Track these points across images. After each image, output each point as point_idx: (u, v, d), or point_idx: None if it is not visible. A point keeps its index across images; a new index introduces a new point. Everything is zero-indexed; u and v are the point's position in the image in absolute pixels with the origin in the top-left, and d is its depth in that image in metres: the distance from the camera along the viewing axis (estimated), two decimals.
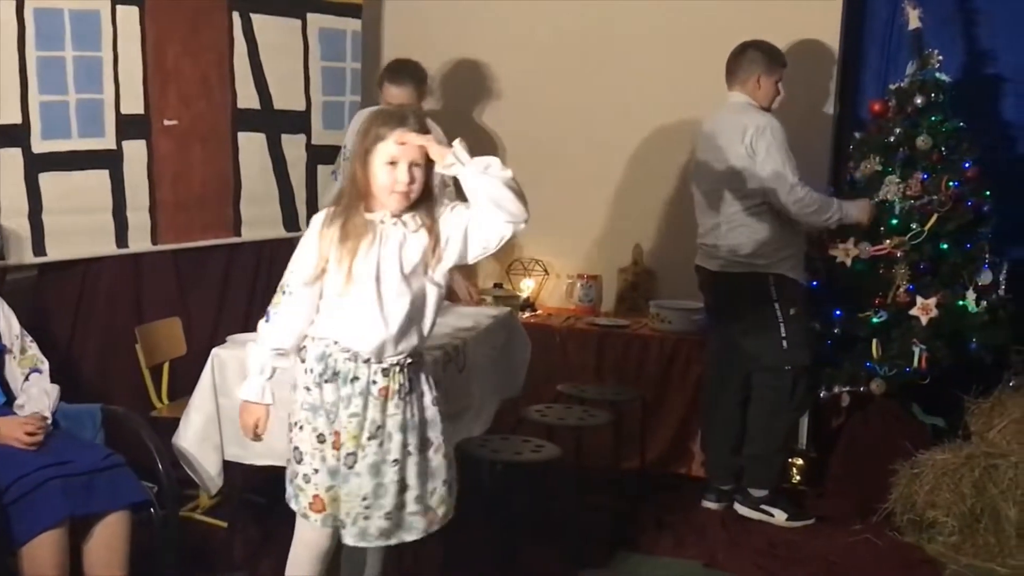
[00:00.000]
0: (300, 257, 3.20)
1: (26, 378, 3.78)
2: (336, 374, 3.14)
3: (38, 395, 3.73)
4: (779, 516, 4.98)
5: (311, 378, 3.16)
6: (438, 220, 3.17)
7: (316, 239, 3.16)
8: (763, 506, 5.01)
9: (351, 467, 3.14)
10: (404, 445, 3.18)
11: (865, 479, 5.09)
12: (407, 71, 5.10)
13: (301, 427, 3.18)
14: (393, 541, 3.25)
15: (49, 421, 3.66)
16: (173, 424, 4.02)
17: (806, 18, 5.64)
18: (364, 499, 3.14)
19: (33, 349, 3.86)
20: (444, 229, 3.17)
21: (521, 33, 6.01)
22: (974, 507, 4.66)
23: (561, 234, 6.01)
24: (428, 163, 3.12)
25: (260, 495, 4.41)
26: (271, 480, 4.15)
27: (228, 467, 4.01)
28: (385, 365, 3.15)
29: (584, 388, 5.16)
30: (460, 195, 3.18)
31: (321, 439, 3.15)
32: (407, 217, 3.15)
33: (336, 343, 3.15)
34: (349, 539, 3.20)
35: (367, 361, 3.13)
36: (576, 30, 5.94)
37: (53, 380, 3.84)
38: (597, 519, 4.72)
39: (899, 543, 4.78)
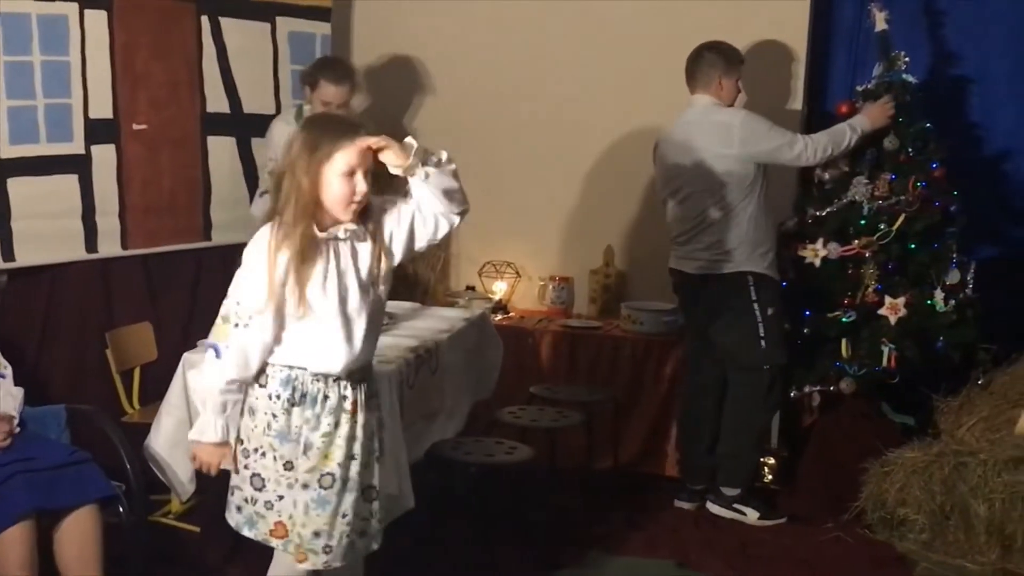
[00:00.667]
0: (248, 285, 3.02)
1: None
2: (304, 396, 3.05)
3: (3, 397, 3.73)
4: (751, 515, 4.99)
5: (278, 405, 3.04)
6: (382, 222, 3.10)
7: (265, 265, 2.98)
8: (736, 505, 5.02)
9: (328, 488, 3.04)
10: (372, 453, 3.16)
11: (836, 478, 5.11)
12: (348, 69, 5.07)
13: (263, 454, 3.05)
14: (366, 552, 3.23)
15: (16, 422, 3.65)
16: (144, 429, 4.01)
17: (774, 19, 5.66)
18: (345, 517, 3.08)
19: None
20: (386, 228, 3.11)
21: (493, 38, 6.01)
22: (944, 505, 4.68)
23: (533, 236, 6.04)
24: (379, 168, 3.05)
25: None
26: None
27: (200, 473, 3.94)
28: (354, 380, 3.10)
29: (557, 389, 5.17)
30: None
31: (288, 466, 3.04)
32: (355, 226, 3.05)
33: (304, 368, 3.05)
34: (336, 561, 3.09)
35: (336, 379, 3.07)
36: (547, 36, 5.94)
37: (19, 384, 3.82)
38: (570, 520, 4.72)
39: (870, 541, 4.80)
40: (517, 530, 4.47)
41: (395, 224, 3.10)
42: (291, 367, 3.06)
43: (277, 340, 3.04)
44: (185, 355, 4.01)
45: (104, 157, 4.83)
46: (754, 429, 5.08)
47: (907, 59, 5.29)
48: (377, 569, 3.57)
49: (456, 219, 3.12)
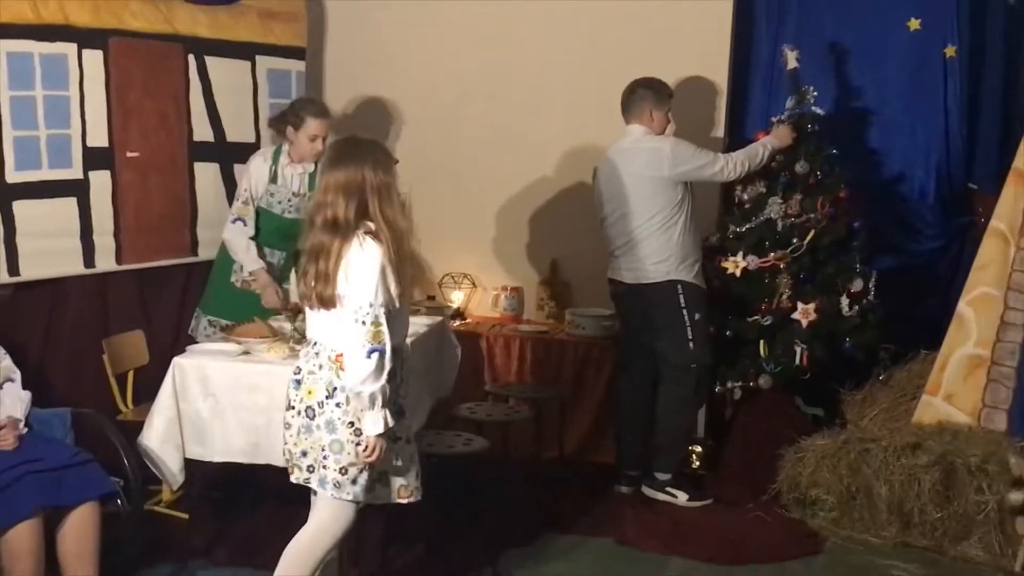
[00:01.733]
0: (379, 288, 3.14)
1: (0, 387, 3.72)
2: (393, 372, 3.24)
3: (11, 402, 3.69)
4: (681, 497, 5.00)
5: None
6: None
7: (383, 271, 3.16)
8: (668, 489, 5.03)
9: (411, 441, 3.43)
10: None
11: (755, 463, 5.13)
12: (325, 105, 5.05)
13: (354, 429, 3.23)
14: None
15: (22, 424, 3.61)
16: (138, 427, 3.99)
17: (698, 58, 5.69)
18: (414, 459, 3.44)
19: (7, 361, 3.82)
20: None
21: (451, 77, 5.99)
22: (850, 486, 4.72)
23: (487, 251, 6.04)
24: None
25: (218, 490, 4.39)
26: (228, 476, 4.16)
27: (189, 464, 3.97)
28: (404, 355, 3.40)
29: (508, 387, 5.19)
30: None
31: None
32: None
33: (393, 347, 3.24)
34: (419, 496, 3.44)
35: (405, 359, 3.38)
36: (499, 78, 5.93)
37: (26, 388, 3.79)
38: (521, 504, 4.71)
39: (786, 519, 4.82)
40: (473, 514, 4.47)
41: None
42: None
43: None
44: (175, 359, 3.98)
45: (100, 182, 4.79)
46: (683, 421, 5.09)
47: (815, 93, 5.33)
48: (349, 548, 3.58)
49: None
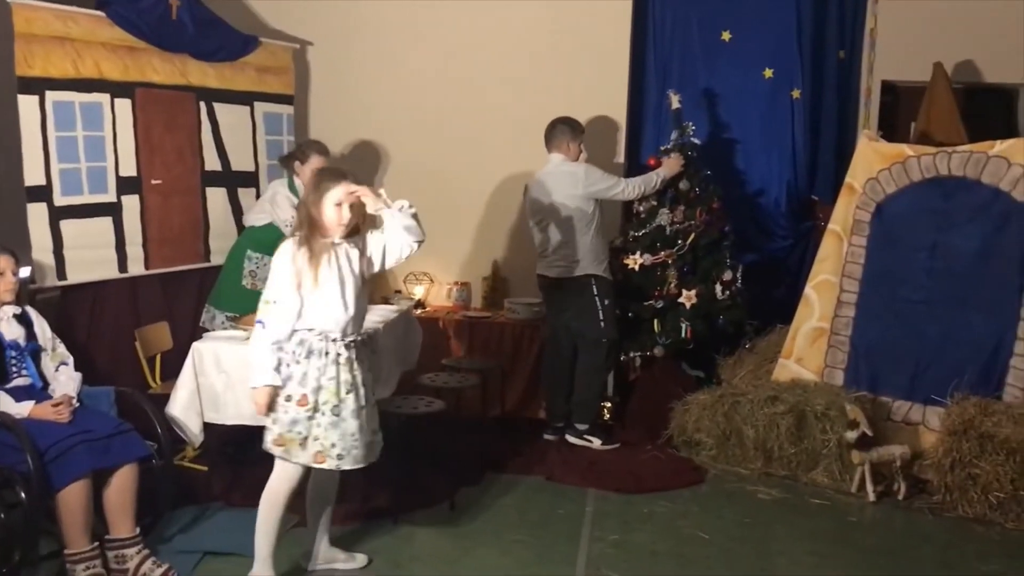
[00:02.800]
0: (281, 275, 3.17)
1: (56, 369, 3.68)
2: (311, 351, 3.17)
3: (66, 381, 3.64)
4: (596, 442, 5.02)
5: (291, 357, 3.18)
6: (367, 241, 3.32)
7: (291, 261, 3.17)
8: (585, 436, 5.05)
9: (338, 415, 3.18)
10: (366, 396, 3.27)
11: (652, 415, 5.15)
12: (326, 147, 4.97)
13: (288, 397, 3.17)
14: (367, 462, 3.30)
15: (75, 400, 3.56)
16: (165, 399, 3.95)
17: (602, 100, 5.70)
18: (353, 435, 3.20)
19: (61, 348, 3.75)
20: (369, 248, 3.32)
21: (411, 113, 5.92)
22: (725, 430, 4.78)
23: (442, 254, 5.95)
24: (359, 204, 3.25)
25: (231, 446, 4.37)
26: (239, 435, 4.12)
27: (207, 427, 3.94)
28: (347, 341, 3.22)
29: (460, 361, 5.16)
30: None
31: (288, 399, 3.17)
32: (347, 242, 3.26)
33: (311, 330, 3.18)
34: (347, 465, 3.22)
35: (334, 340, 3.18)
36: (452, 114, 5.87)
37: (76, 370, 3.73)
38: (471, 451, 4.70)
39: (677, 457, 4.87)
40: (433, 460, 4.46)
41: (375, 245, 3.33)
42: (302, 330, 3.19)
43: (299, 313, 3.18)
44: (194, 344, 3.95)
45: (131, 204, 4.73)
46: (596, 383, 5.11)
47: (694, 127, 5.38)
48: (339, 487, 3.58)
49: (415, 246, 3.36)
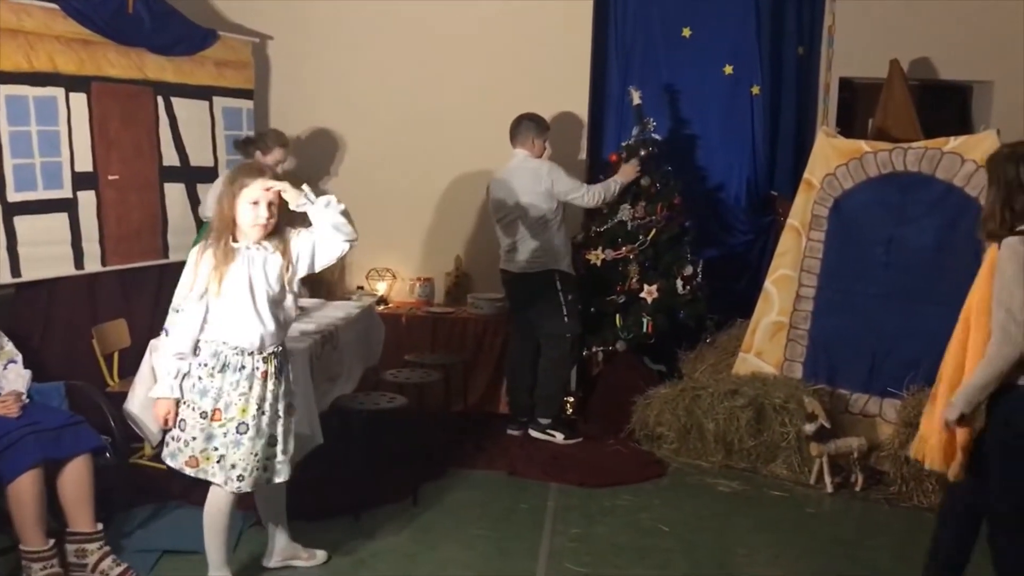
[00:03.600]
0: (185, 282, 3.02)
1: (4, 367, 3.62)
2: (226, 365, 3.02)
3: (15, 378, 3.59)
4: (559, 436, 5.04)
5: (205, 370, 3.02)
6: (289, 243, 3.09)
7: (194, 267, 3.01)
8: (548, 430, 5.07)
9: (243, 433, 3.01)
10: (277, 412, 3.12)
11: (615, 409, 5.17)
12: (287, 137, 4.99)
13: (189, 406, 3.03)
14: (271, 483, 3.16)
15: (24, 396, 3.52)
16: (123, 397, 3.87)
17: (565, 96, 5.71)
18: (256, 455, 3.05)
19: (9, 346, 3.70)
20: (294, 249, 3.09)
21: (372, 108, 5.90)
22: (686, 424, 4.82)
23: (404, 249, 5.98)
24: (280, 203, 3.04)
25: None
26: None
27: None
28: (264, 354, 3.07)
29: (423, 356, 5.10)
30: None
31: (203, 415, 3.02)
32: (266, 243, 3.05)
33: (225, 343, 3.02)
34: (246, 487, 3.05)
35: (251, 353, 3.04)
36: (414, 110, 5.85)
37: (29, 367, 3.68)
38: (434, 446, 4.69)
39: (639, 451, 4.90)
40: (398, 455, 4.45)
41: (301, 247, 3.10)
42: (216, 342, 3.03)
43: (204, 321, 3.02)
44: (152, 341, 3.86)
45: (87, 200, 4.65)
46: (559, 378, 5.12)
47: (655, 123, 5.42)
48: (296, 487, 3.55)
49: (345, 246, 3.08)
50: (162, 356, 3.06)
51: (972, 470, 2.89)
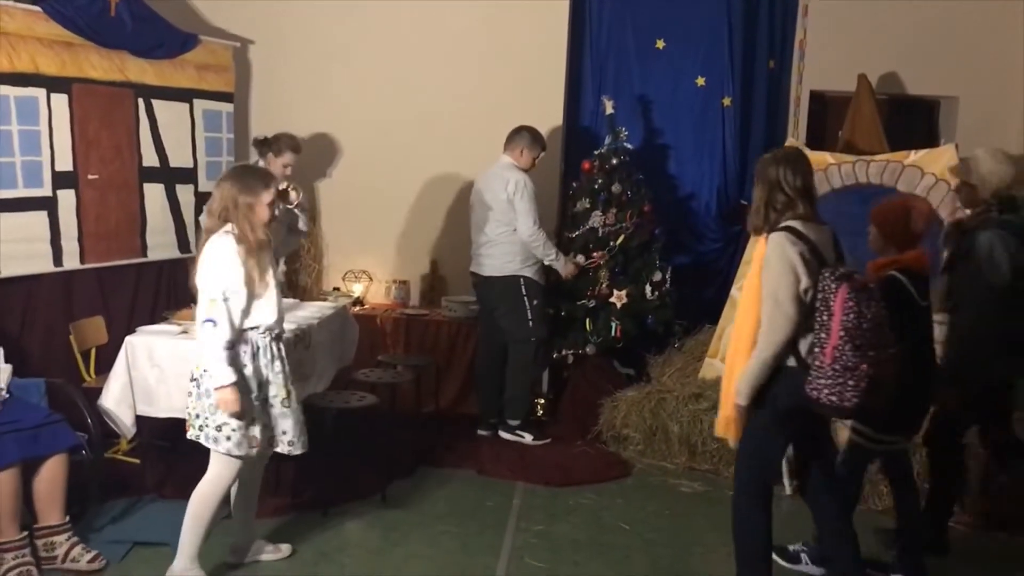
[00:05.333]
0: (225, 273, 3.12)
1: None
2: (258, 348, 3.23)
3: None
4: (528, 437, 5.12)
5: (247, 356, 3.20)
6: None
7: (235, 256, 3.14)
8: (517, 431, 5.14)
9: (288, 407, 3.30)
10: (287, 387, 3.34)
11: (583, 411, 5.26)
12: (300, 143, 5.05)
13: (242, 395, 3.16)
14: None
15: (4, 391, 3.59)
16: (98, 392, 3.98)
17: (540, 103, 5.78)
18: (299, 423, 3.35)
19: None
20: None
21: (352, 113, 5.97)
22: (652, 426, 4.91)
23: (381, 252, 6.06)
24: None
25: (163, 439, 4.37)
26: (170, 428, 4.13)
27: (139, 420, 3.99)
28: (277, 333, 3.33)
29: (396, 357, 5.20)
30: None
31: (257, 399, 3.23)
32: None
33: (256, 327, 3.23)
34: (297, 450, 3.34)
35: (276, 335, 3.29)
36: (394, 115, 5.92)
37: (7, 362, 3.74)
38: (405, 446, 4.74)
39: (606, 452, 4.99)
40: (366, 454, 4.51)
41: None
42: (251, 328, 3.23)
43: (247, 311, 3.20)
44: (127, 338, 3.98)
45: (66, 198, 4.72)
46: (527, 380, 5.19)
47: (627, 132, 5.52)
48: (265, 483, 3.64)
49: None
50: (213, 345, 3.13)
51: None
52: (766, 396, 3.05)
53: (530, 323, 5.07)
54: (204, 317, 3.13)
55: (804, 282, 2.95)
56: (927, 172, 4.83)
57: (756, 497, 3.17)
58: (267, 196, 3.23)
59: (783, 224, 3.04)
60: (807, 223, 3.05)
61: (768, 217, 3.09)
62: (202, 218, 3.47)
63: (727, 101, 5.97)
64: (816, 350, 2.95)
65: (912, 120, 6.45)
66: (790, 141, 5.33)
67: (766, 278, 2.99)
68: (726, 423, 3.16)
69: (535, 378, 5.36)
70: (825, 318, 2.93)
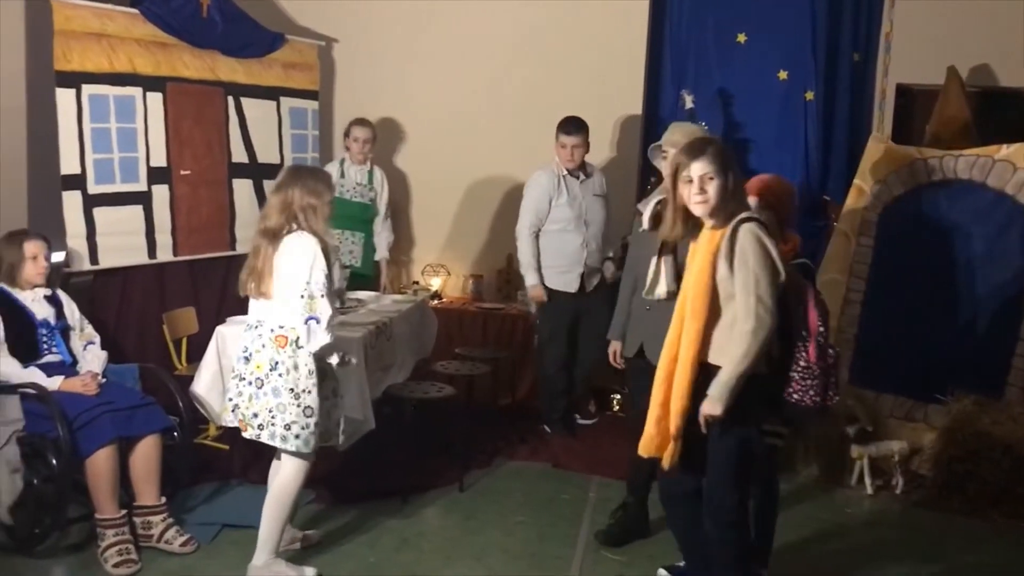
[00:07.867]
0: (319, 272, 3.15)
1: (84, 348, 3.86)
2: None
3: (92, 359, 3.82)
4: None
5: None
6: None
7: (322, 257, 3.18)
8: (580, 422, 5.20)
9: (343, 396, 3.44)
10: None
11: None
12: (368, 121, 5.38)
13: (309, 392, 3.20)
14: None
15: (101, 376, 3.75)
16: (190, 379, 4.09)
17: (620, 99, 5.80)
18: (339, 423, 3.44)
19: (89, 328, 3.94)
20: None
21: (430, 110, 6.06)
22: None
23: (458, 247, 6.13)
24: None
25: None
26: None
27: None
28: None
29: (473, 350, 5.22)
30: None
31: (325, 398, 3.29)
32: None
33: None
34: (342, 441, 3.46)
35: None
36: (472, 113, 5.98)
37: (103, 348, 3.91)
38: (481, 437, 4.80)
39: None
40: (445, 444, 4.58)
41: None
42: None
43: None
44: (218, 328, 4.09)
45: (161, 193, 4.89)
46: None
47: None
48: (347, 470, 3.74)
49: None
50: (320, 342, 3.19)
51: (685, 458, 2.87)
52: (736, 405, 2.74)
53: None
54: (307, 315, 3.15)
55: (782, 275, 2.74)
56: (1019, 167, 4.70)
57: (743, 517, 2.89)
58: (328, 196, 3.24)
59: (745, 215, 2.82)
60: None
61: (729, 208, 2.82)
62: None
63: (810, 95, 5.84)
64: (799, 352, 2.82)
65: (1005, 113, 6.24)
66: (875, 135, 5.22)
67: (743, 274, 2.72)
68: (659, 441, 2.85)
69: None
70: (801, 313, 2.80)
